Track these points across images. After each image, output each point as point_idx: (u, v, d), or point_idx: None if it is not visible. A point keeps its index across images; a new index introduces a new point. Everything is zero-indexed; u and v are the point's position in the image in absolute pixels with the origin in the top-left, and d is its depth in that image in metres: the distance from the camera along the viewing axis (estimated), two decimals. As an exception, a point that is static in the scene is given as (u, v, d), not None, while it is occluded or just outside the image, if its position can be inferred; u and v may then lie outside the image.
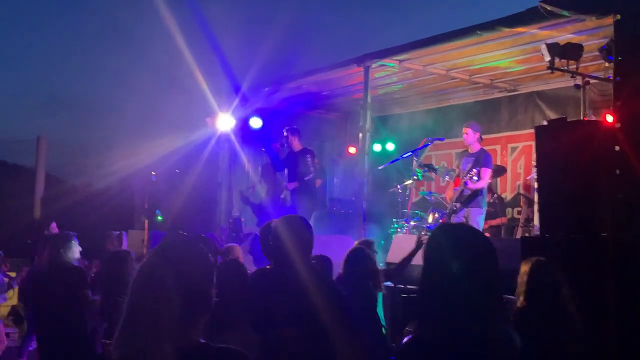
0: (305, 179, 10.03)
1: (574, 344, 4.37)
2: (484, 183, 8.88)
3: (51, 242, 6.54)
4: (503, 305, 2.33)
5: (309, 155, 10.13)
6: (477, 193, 8.85)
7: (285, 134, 10.21)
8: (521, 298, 4.39)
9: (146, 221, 11.55)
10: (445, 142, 10.85)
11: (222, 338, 3.11)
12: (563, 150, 5.92)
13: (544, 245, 5.89)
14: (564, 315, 4.39)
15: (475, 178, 8.78)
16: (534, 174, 10.04)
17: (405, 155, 10.05)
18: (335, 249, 8.01)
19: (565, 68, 6.85)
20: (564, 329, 4.36)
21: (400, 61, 9.59)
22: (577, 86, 6.84)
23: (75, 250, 6.37)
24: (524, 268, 4.51)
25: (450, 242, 2.36)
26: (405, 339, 2.37)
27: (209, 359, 2.31)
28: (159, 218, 11.68)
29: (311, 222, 10.06)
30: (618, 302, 5.61)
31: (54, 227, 9.48)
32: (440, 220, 10.11)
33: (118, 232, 8.53)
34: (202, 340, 2.34)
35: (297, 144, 10.16)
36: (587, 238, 5.71)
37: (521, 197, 10.49)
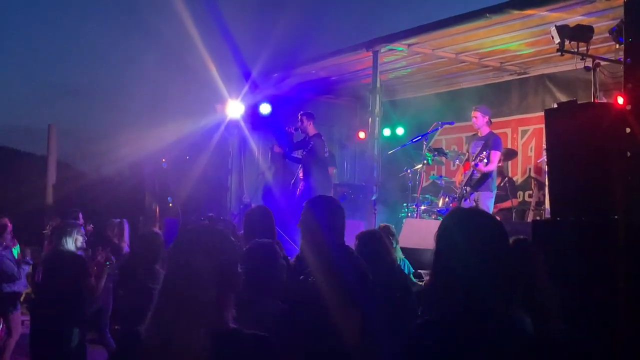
0: (324, 162, 10.10)
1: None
2: (493, 166, 8.84)
3: (55, 231, 6.60)
4: (515, 289, 2.33)
5: (324, 140, 10.22)
6: (486, 176, 8.82)
7: (300, 118, 10.22)
8: None
9: (157, 207, 11.63)
10: (455, 126, 10.79)
11: (249, 312, 3.17)
12: (573, 133, 5.87)
13: (554, 228, 5.85)
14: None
15: (485, 161, 8.74)
16: (544, 157, 10.00)
17: (415, 140, 10.01)
18: (346, 234, 8.02)
19: (575, 50, 6.79)
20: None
21: (409, 45, 9.54)
22: (587, 68, 6.77)
23: (78, 240, 6.41)
24: None
25: (461, 226, 2.36)
26: (418, 322, 2.38)
27: (240, 344, 2.36)
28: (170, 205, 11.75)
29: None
30: (630, 285, 5.59)
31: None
32: (451, 205, 10.11)
33: (119, 220, 8.53)
34: (233, 326, 2.39)
35: (312, 129, 10.20)
36: (599, 221, 5.66)
37: (532, 180, 10.45)
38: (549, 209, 9.29)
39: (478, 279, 2.22)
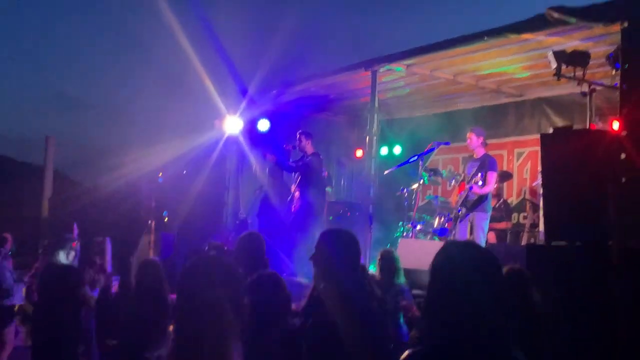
0: (320, 180, 10.24)
1: None
2: (489, 188, 8.88)
3: (49, 245, 6.65)
4: (509, 323, 2.33)
5: (322, 159, 10.31)
6: (482, 198, 8.86)
7: (298, 136, 10.30)
8: None
9: (153, 223, 11.62)
10: (451, 147, 10.84)
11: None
12: (568, 158, 5.92)
13: (549, 253, 5.89)
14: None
15: (480, 182, 8.78)
16: (539, 180, 10.05)
17: (411, 160, 10.06)
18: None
19: (572, 75, 6.85)
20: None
21: (408, 66, 9.60)
22: (583, 94, 6.84)
23: (70, 254, 6.47)
24: None
25: (456, 262, 2.37)
26: (407, 353, 2.38)
27: None
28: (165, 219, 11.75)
29: (318, 226, 10.17)
30: (624, 309, 5.61)
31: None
32: (447, 225, 10.13)
33: (101, 239, 8.54)
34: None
35: (310, 148, 10.29)
36: (593, 246, 5.70)
37: (527, 202, 10.48)
38: (543, 231, 9.36)
39: (471, 312, 2.23)
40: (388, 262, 6.66)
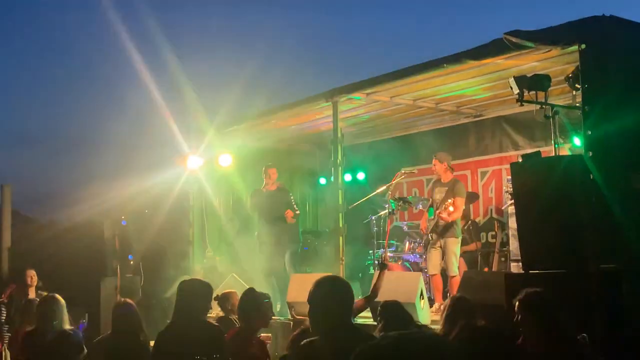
0: (292, 217, 10.21)
1: None
2: (458, 213, 8.87)
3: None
4: None
5: (291, 194, 10.38)
6: (452, 223, 8.83)
7: (266, 170, 10.24)
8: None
9: (118, 267, 11.31)
10: (415, 169, 10.79)
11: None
12: (540, 185, 5.90)
13: (527, 281, 5.83)
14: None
15: (450, 208, 8.75)
16: (505, 200, 10.07)
17: (379, 191, 10.03)
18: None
19: (534, 100, 6.85)
20: None
21: (368, 94, 9.55)
22: (546, 117, 6.84)
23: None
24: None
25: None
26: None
27: None
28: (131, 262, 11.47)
29: (287, 257, 10.04)
30: (605, 334, 5.57)
31: (32, 275, 9.37)
32: (417, 250, 10.08)
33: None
34: None
35: (275, 181, 10.25)
36: (571, 272, 5.66)
37: (495, 221, 10.50)
38: (513, 250, 9.37)
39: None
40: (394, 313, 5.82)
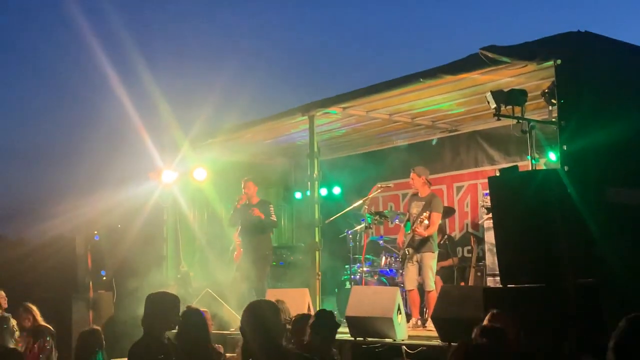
0: (274, 225, 10.43)
1: None
2: (434, 228, 8.86)
3: None
4: None
5: (271, 206, 10.38)
6: (429, 237, 8.81)
7: (246, 184, 10.22)
8: None
9: (90, 283, 11.14)
10: (390, 184, 10.79)
11: None
12: (517, 199, 5.91)
13: (505, 295, 5.83)
14: None
15: (426, 222, 8.75)
16: (481, 214, 10.11)
17: (355, 205, 10.01)
18: (290, 303, 7.83)
19: (511, 115, 6.89)
20: None
21: (344, 108, 9.55)
22: (523, 131, 6.88)
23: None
24: None
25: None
26: None
27: None
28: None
29: (263, 272, 9.98)
30: (582, 348, 5.58)
31: (2, 296, 9.15)
32: (393, 264, 10.06)
33: (22, 307, 8.18)
34: None
35: (254, 194, 10.34)
36: (548, 286, 5.67)
37: (470, 235, 10.51)
38: (489, 265, 9.39)
39: None
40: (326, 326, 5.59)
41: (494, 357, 3.53)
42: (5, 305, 9.25)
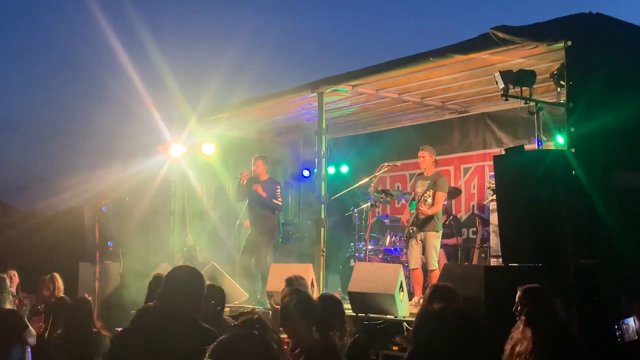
0: (277, 208, 10.23)
1: None
2: (438, 207, 8.87)
3: None
4: None
5: (278, 186, 10.31)
6: (433, 216, 8.83)
7: (255, 161, 10.17)
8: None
9: (97, 253, 11.23)
10: (398, 164, 10.80)
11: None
12: (522, 178, 5.92)
13: (507, 274, 5.86)
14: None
15: (429, 201, 8.77)
16: (487, 195, 10.11)
17: (362, 182, 10.03)
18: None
19: (519, 95, 6.88)
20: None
21: (353, 86, 9.53)
22: (531, 112, 6.87)
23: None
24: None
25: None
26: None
27: None
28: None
29: (270, 248, 10.02)
30: (582, 328, 5.61)
31: (13, 274, 9.25)
32: (398, 243, 10.09)
33: (49, 276, 8.23)
34: None
35: (264, 172, 10.26)
36: (549, 266, 5.69)
37: (476, 217, 10.53)
38: (493, 246, 9.40)
39: None
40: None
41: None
42: (17, 282, 9.37)
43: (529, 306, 4.60)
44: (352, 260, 10.20)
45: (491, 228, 9.55)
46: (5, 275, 7.06)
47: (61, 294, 8.08)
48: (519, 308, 4.65)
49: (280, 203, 10.24)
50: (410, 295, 8.58)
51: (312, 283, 8.57)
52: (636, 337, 5.40)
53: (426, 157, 9.04)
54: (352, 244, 10.54)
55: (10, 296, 6.34)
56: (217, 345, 2.31)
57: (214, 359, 2.27)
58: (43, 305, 8.08)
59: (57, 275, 8.24)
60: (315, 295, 7.04)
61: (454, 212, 10.91)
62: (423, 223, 8.85)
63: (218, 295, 5.38)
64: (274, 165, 12.74)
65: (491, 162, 10.14)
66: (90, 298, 6.22)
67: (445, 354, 3.28)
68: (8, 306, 6.35)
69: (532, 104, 6.94)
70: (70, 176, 13.58)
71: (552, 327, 4.48)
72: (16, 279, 9.25)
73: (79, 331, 5.73)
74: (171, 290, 3.76)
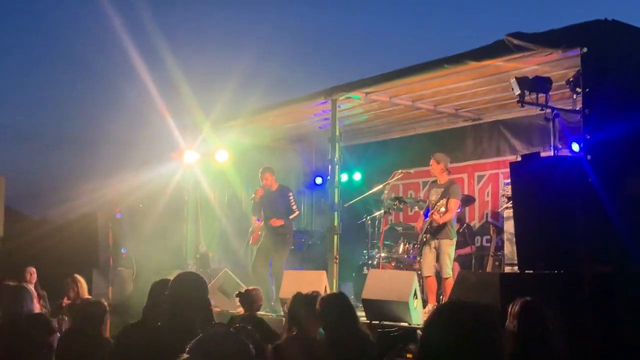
0: (291, 217, 10.25)
1: None
2: (451, 215, 8.84)
3: (7, 295, 6.33)
4: None
5: (291, 193, 10.35)
6: (446, 224, 8.81)
7: (263, 175, 10.21)
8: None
9: (111, 259, 11.30)
10: (412, 172, 10.81)
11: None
12: (538, 185, 5.91)
13: (522, 281, 5.84)
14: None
15: (442, 209, 8.75)
16: (502, 203, 10.08)
17: (375, 190, 10.03)
18: (307, 286, 7.87)
19: (535, 102, 6.88)
20: None
21: (367, 93, 9.56)
22: (547, 119, 6.86)
23: (31, 300, 6.25)
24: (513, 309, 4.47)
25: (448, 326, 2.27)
26: None
27: None
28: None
29: (283, 256, 10.02)
30: (598, 336, 5.59)
31: (32, 272, 9.36)
32: (412, 251, 10.07)
33: (71, 278, 8.31)
34: None
35: (273, 182, 10.24)
36: (565, 273, 5.68)
37: (490, 225, 10.50)
38: (507, 254, 9.37)
39: None
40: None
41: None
42: (35, 279, 9.48)
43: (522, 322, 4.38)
44: (365, 268, 10.18)
45: (505, 236, 9.52)
46: (25, 284, 7.11)
47: (86, 295, 8.18)
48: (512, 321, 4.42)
49: (296, 210, 10.29)
50: (425, 304, 8.56)
51: (325, 290, 8.58)
52: None
53: (434, 165, 9.03)
54: (365, 251, 10.53)
55: (30, 295, 6.33)
56: (195, 343, 2.40)
57: (192, 356, 2.35)
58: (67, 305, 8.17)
59: (78, 276, 8.33)
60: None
61: (467, 220, 10.88)
62: (437, 230, 8.83)
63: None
64: (287, 173, 12.77)
65: (505, 170, 10.17)
66: (105, 303, 6.22)
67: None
68: (36, 309, 6.35)
69: (548, 110, 6.92)
70: (84, 183, 13.69)
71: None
72: (34, 276, 9.36)
73: (84, 334, 5.71)
74: (179, 293, 3.85)
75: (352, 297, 9.97)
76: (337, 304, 5.26)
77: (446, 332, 2.22)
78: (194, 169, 11.60)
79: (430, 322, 2.31)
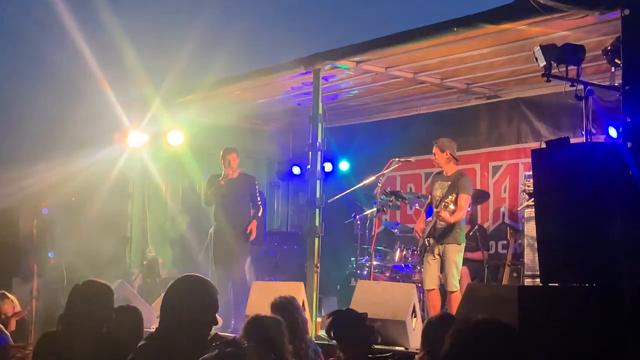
0: (260, 214, 10.35)
1: None
2: (462, 214, 8.88)
3: None
4: None
5: (256, 183, 10.46)
6: (454, 226, 8.85)
7: (226, 156, 10.16)
8: None
9: (35, 266, 11.22)
10: (411, 160, 10.83)
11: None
12: (566, 179, 5.93)
13: (546, 296, 5.87)
14: None
15: (451, 207, 8.77)
16: (523, 204, 10.14)
17: (366, 182, 10.05)
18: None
19: (564, 76, 6.91)
20: None
21: (358, 62, 9.56)
22: (578, 97, 6.89)
23: None
24: None
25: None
26: None
27: None
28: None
29: (249, 262, 10.05)
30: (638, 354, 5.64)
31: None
32: (411, 259, 10.13)
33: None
34: None
35: (236, 167, 10.23)
36: (599, 288, 5.71)
37: (507, 227, 10.57)
38: (528, 263, 9.45)
39: None
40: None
41: None
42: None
43: None
44: (352, 279, 10.23)
45: (526, 241, 9.58)
46: None
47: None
48: None
49: (261, 204, 10.32)
50: (425, 323, 8.61)
51: (302, 305, 8.59)
52: None
53: (437, 153, 9.05)
54: (352, 258, 10.58)
55: None
56: None
57: None
58: None
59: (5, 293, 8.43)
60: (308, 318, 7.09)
61: (479, 221, 10.95)
62: (442, 234, 8.87)
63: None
64: (257, 161, 12.79)
65: (526, 160, 10.24)
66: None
67: None
68: None
69: (580, 86, 6.95)
70: (1, 171, 13.57)
71: None
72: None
73: None
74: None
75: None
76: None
77: None
78: (141, 153, 11.55)
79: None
